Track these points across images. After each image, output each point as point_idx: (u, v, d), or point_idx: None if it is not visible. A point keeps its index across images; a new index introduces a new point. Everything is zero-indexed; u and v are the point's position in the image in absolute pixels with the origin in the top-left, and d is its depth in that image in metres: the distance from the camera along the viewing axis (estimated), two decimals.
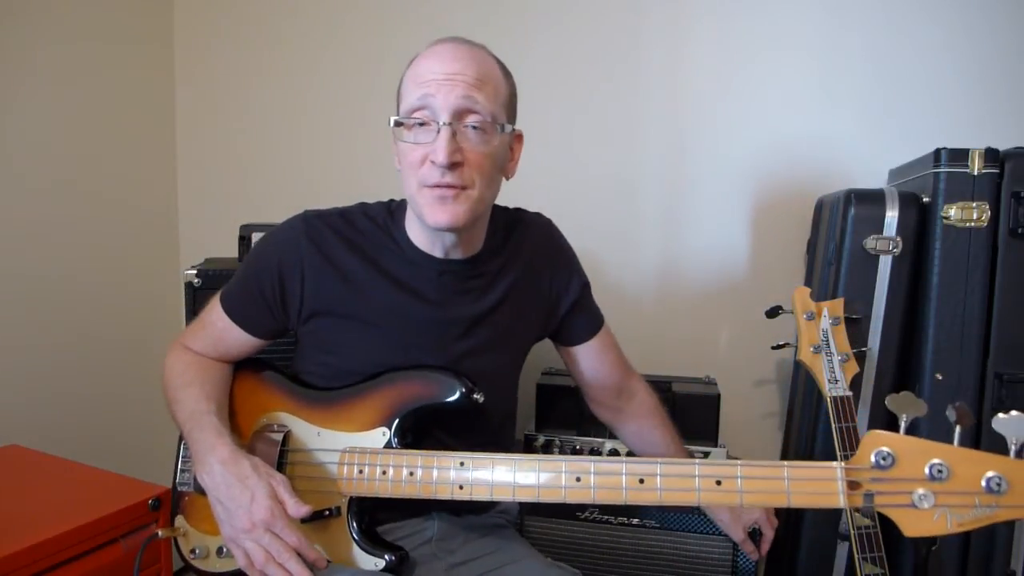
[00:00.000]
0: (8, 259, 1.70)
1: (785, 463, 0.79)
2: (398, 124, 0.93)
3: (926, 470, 0.74)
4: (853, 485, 0.76)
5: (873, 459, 0.75)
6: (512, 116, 0.98)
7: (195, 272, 1.43)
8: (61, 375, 1.82)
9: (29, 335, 1.75)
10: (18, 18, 1.70)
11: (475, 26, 1.85)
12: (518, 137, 1.01)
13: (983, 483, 0.72)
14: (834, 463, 0.78)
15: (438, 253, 1.00)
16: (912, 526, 0.74)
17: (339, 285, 0.99)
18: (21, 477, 1.39)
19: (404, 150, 0.93)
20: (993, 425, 0.73)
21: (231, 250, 1.53)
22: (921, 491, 0.74)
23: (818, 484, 0.78)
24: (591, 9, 1.81)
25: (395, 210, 1.04)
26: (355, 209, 1.05)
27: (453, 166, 0.88)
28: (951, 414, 0.77)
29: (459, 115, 0.89)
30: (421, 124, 0.90)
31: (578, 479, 0.85)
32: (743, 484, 0.80)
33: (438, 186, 0.89)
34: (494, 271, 1.05)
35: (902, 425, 0.79)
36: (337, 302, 0.99)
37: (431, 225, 0.92)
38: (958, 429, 0.75)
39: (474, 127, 0.90)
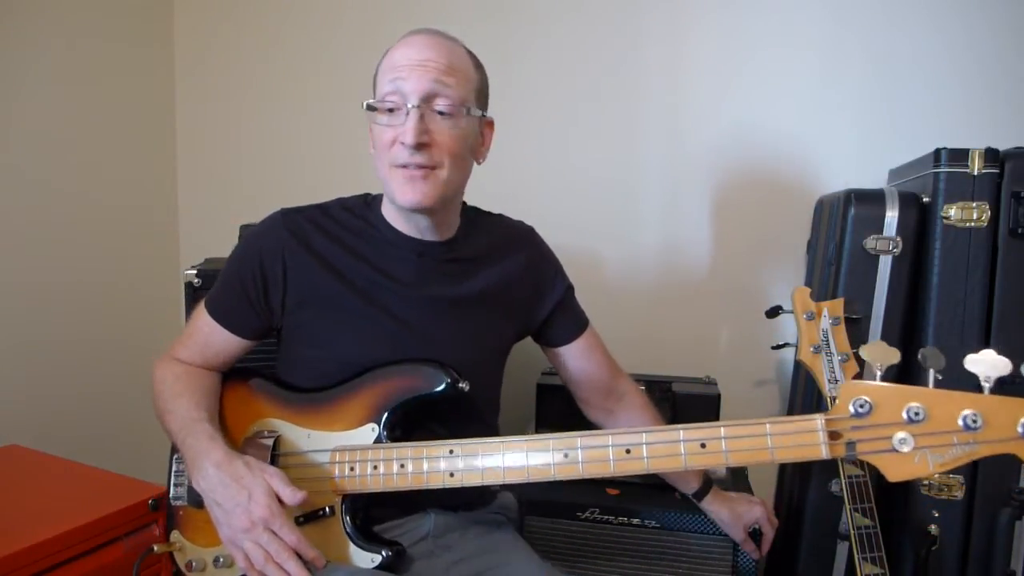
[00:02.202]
0: (8, 259, 1.70)
1: (767, 420, 0.81)
2: (371, 108, 0.97)
3: (904, 414, 0.76)
4: (834, 435, 0.79)
5: (852, 408, 0.78)
6: (483, 104, 1.02)
7: (195, 272, 1.43)
8: (61, 375, 1.82)
9: (29, 335, 1.75)
10: (18, 19, 1.70)
11: (475, 26, 1.86)
12: (489, 124, 1.05)
13: (960, 421, 0.74)
14: (815, 415, 0.79)
15: (415, 234, 1.03)
16: (895, 470, 0.76)
17: (320, 272, 1.00)
18: (21, 477, 1.39)
19: (377, 133, 0.97)
20: (965, 364, 0.76)
21: (231, 250, 1.53)
22: (900, 435, 0.76)
23: (800, 437, 0.80)
24: (591, 9, 1.81)
25: (371, 200, 1.08)
26: (332, 202, 1.08)
27: (420, 147, 0.92)
28: (923, 359, 0.80)
29: (428, 99, 0.93)
30: (392, 109, 0.95)
31: (566, 455, 0.86)
32: (727, 444, 0.81)
33: (406, 166, 0.93)
34: (472, 258, 1.07)
35: (877, 374, 0.80)
36: (319, 290, 1.00)
37: (401, 204, 0.96)
38: (932, 372, 0.78)
39: (441, 112, 0.94)
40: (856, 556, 1.13)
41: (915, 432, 0.75)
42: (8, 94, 1.69)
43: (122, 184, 1.99)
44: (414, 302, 1.02)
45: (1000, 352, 0.75)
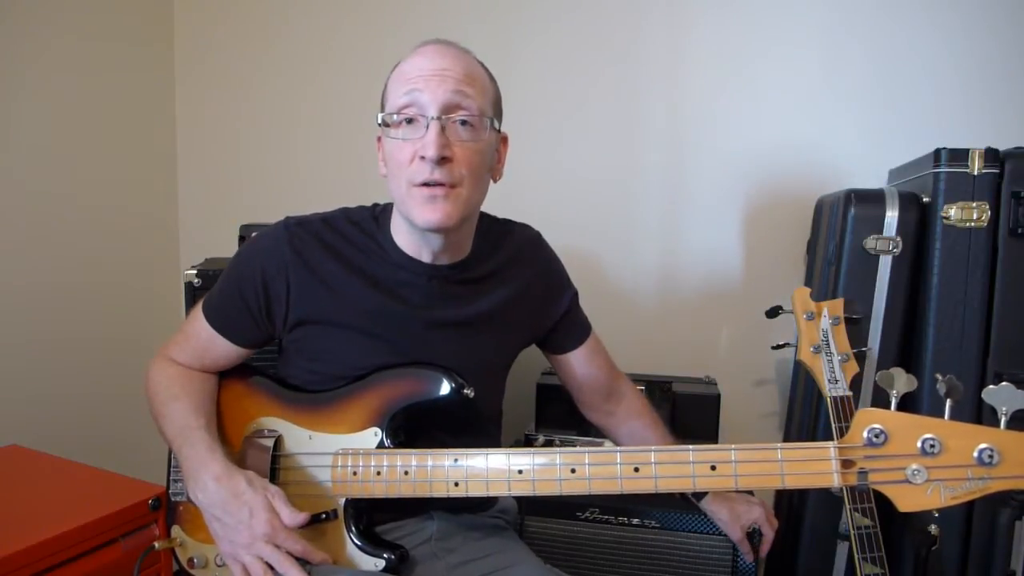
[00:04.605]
0: (8, 259, 1.70)
1: (779, 445, 0.80)
2: (385, 124, 0.92)
3: (918, 445, 0.75)
4: (847, 464, 0.77)
5: (866, 436, 0.76)
6: (499, 118, 0.98)
7: (195, 272, 1.43)
8: (61, 375, 1.82)
9: (29, 335, 1.75)
10: (19, 18, 1.70)
11: (474, 27, 1.85)
12: (504, 139, 1.01)
13: (975, 455, 0.73)
14: (828, 443, 0.78)
15: (425, 258, 0.99)
16: (906, 501, 0.75)
17: (324, 293, 0.98)
18: (21, 477, 1.39)
19: (392, 149, 0.92)
20: (983, 396, 0.75)
21: (231, 250, 1.51)
22: (914, 466, 0.75)
23: (812, 464, 0.79)
24: (591, 10, 1.81)
25: (379, 215, 1.03)
26: (337, 215, 1.03)
27: (442, 161, 0.87)
28: (941, 387, 0.78)
29: (448, 110, 0.89)
30: (409, 121, 0.90)
31: (573, 470, 0.85)
32: (738, 468, 0.80)
33: (427, 184, 0.88)
34: (482, 278, 1.04)
35: (893, 401, 0.79)
36: (322, 310, 0.98)
37: (421, 226, 0.91)
38: (948, 402, 0.77)
39: (463, 122, 0.89)
40: (856, 556, 1.13)
41: (929, 464, 0.74)
42: (7, 94, 1.69)
43: (122, 184, 1.99)
44: (422, 324, 0.99)
45: (1000, 351, 0.75)
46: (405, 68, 0.92)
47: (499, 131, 0.98)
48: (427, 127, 0.88)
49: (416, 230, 0.94)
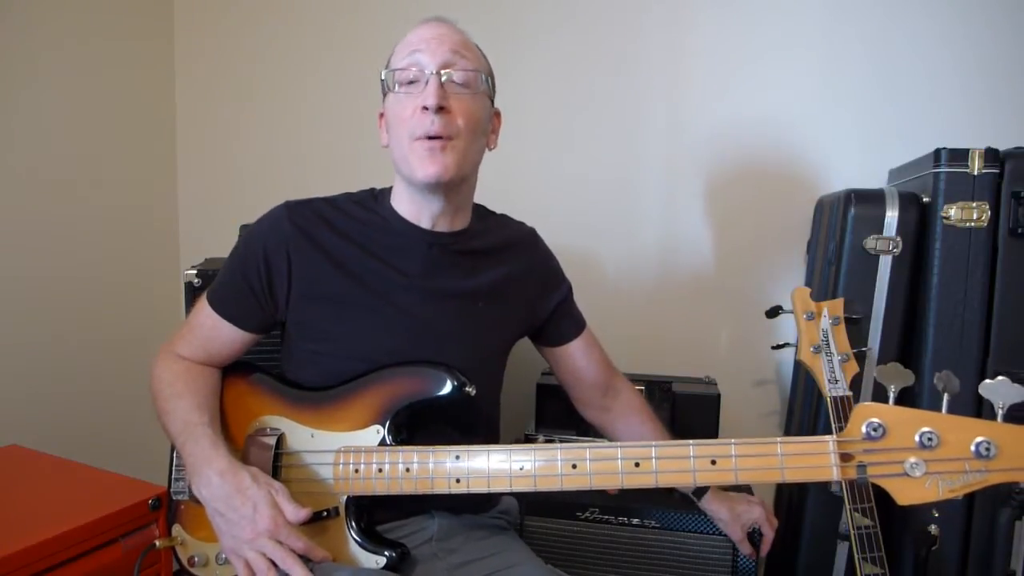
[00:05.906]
0: (8, 259, 1.70)
1: (778, 439, 0.81)
2: (387, 91, 0.98)
3: (916, 438, 0.76)
4: (846, 457, 0.78)
5: (864, 430, 0.77)
6: (493, 89, 1.04)
7: (195, 272, 1.43)
8: (61, 375, 1.82)
9: (29, 335, 1.75)
10: (19, 18, 1.70)
11: (475, 26, 1.85)
12: (497, 114, 1.06)
13: (972, 448, 0.74)
14: (827, 437, 0.79)
15: (425, 223, 1.02)
16: (904, 494, 0.76)
17: (325, 267, 0.99)
18: (21, 477, 1.39)
19: (394, 108, 0.97)
20: (980, 390, 0.76)
21: (232, 247, 1.53)
22: (912, 460, 0.76)
23: (811, 459, 0.80)
24: (591, 9, 1.81)
25: (379, 193, 1.08)
26: (338, 196, 1.08)
27: (441, 111, 0.92)
28: (938, 382, 0.79)
29: (446, 66, 0.95)
30: (411, 82, 0.96)
31: (574, 466, 0.86)
32: (738, 463, 0.81)
33: (428, 136, 0.93)
34: (482, 252, 1.07)
35: (891, 396, 0.80)
36: (324, 284, 0.99)
37: (421, 179, 0.94)
38: (946, 396, 0.78)
39: (459, 81, 0.96)
40: (856, 556, 1.13)
41: (927, 457, 0.75)
42: (7, 93, 1.69)
43: (122, 184, 1.99)
44: (422, 294, 1.01)
45: (1000, 351, 0.75)
46: (407, 38, 0.99)
47: (492, 101, 1.04)
48: (427, 82, 0.93)
49: (416, 191, 0.98)
